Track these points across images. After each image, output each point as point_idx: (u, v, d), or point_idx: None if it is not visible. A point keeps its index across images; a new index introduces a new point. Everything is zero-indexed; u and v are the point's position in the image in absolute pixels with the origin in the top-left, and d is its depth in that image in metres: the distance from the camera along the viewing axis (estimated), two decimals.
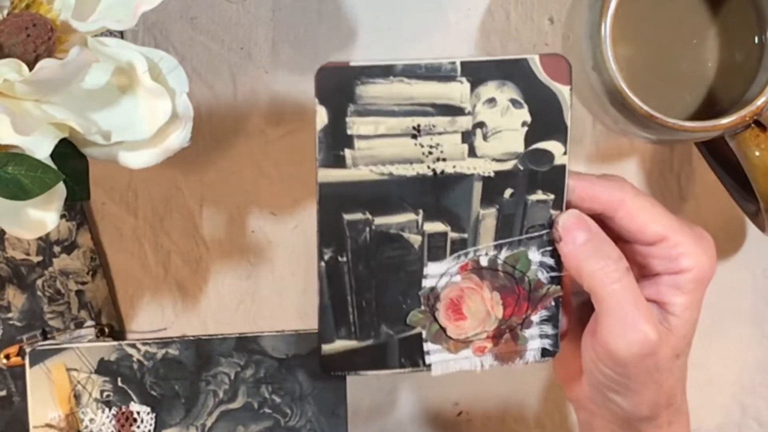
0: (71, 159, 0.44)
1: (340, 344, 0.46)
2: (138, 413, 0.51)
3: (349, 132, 0.43)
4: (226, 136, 0.58)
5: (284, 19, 0.57)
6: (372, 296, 0.46)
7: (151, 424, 0.51)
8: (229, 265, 0.59)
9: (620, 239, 0.46)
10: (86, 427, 0.51)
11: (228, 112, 0.58)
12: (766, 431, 0.62)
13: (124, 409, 0.51)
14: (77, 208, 0.58)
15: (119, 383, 0.51)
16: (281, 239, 0.59)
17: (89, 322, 0.59)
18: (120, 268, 0.59)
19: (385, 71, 0.43)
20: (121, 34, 0.55)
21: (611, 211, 0.46)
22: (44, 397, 0.51)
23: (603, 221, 0.46)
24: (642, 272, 0.47)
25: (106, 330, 0.58)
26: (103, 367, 0.51)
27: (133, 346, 0.51)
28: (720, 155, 0.58)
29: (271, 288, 0.60)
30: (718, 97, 0.52)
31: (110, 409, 0.51)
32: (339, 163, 0.44)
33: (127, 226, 0.59)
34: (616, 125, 0.53)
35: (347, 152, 0.44)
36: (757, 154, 0.50)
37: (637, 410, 0.46)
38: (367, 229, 0.45)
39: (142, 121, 0.44)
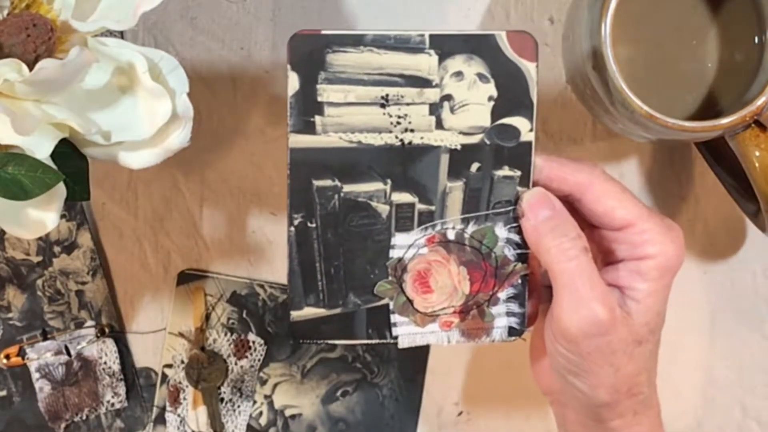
0: (71, 159, 0.44)
1: (308, 311, 0.47)
2: (253, 342, 0.59)
3: (319, 99, 0.45)
4: (226, 136, 0.58)
5: (284, 19, 0.57)
6: (340, 264, 0.47)
7: (261, 354, 0.59)
8: (229, 265, 0.59)
9: (588, 224, 0.47)
10: (209, 344, 0.59)
11: (228, 112, 0.58)
12: (766, 431, 0.62)
13: (243, 337, 0.59)
14: (77, 208, 0.58)
15: (243, 315, 0.59)
16: (281, 239, 0.59)
17: (89, 322, 0.59)
18: (120, 268, 0.59)
19: (356, 40, 0.44)
20: (121, 34, 0.55)
21: (579, 193, 0.46)
22: (183, 311, 0.59)
23: (571, 204, 0.47)
24: (607, 258, 0.47)
25: (106, 330, 0.59)
26: (234, 299, 0.59)
27: (262, 286, 0.59)
28: (720, 155, 0.58)
29: None
30: (718, 97, 0.52)
31: (232, 335, 0.59)
32: (309, 129, 0.45)
33: (127, 226, 0.59)
34: (616, 125, 0.53)
35: (317, 119, 0.45)
36: (757, 154, 0.50)
37: (595, 394, 0.46)
38: (336, 195, 0.46)
39: (142, 121, 0.44)
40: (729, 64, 0.52)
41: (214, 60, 0.58)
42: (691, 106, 0.52)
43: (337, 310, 0.47)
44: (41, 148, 0.42)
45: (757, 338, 0.62)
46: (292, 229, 0.46)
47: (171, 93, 0.44)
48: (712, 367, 0.62)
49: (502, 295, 0.47)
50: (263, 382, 0.60)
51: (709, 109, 0.52)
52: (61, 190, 0.43)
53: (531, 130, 0.46)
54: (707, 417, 0.62)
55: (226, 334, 0.59)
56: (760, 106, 0.49)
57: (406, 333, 0.47)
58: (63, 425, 0.59)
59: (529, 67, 0.45)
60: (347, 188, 0.46)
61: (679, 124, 0.49)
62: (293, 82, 0.44)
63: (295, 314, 0.47)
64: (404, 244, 0.47)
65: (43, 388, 0.58)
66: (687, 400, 0.62)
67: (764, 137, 0.50)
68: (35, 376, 0.58)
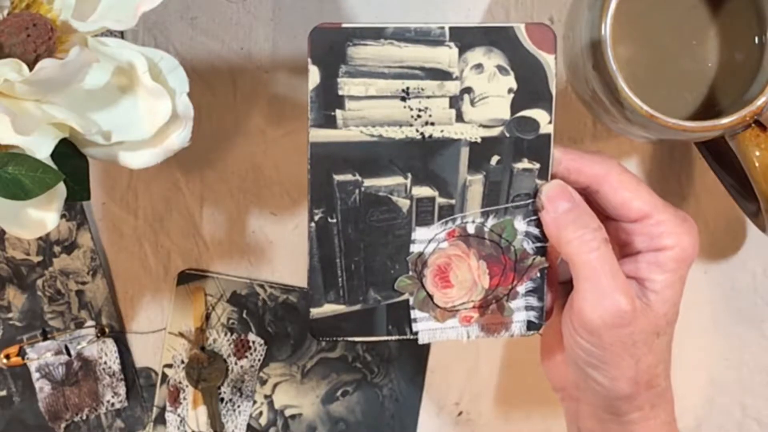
0: (71, 159, 0.44)
1: (328, 308, 0.47)
2: (253, 342, 0.59)
3: (340, 92, 0.44)
4: (226, 136, 0.58)
5: (284, 19, 0.57)
6: (361, 259, 0.46)
7: (261, 354, 0.60)
8: (229, 265, 0.59)
9: (605, 217, 0.47)
10: (209, 344, 0.59)
11: (228, 112, 0.58)
12: (766, 431, 0.62)
13: (243, 337, 0.59)
14: (77, 208, 0.58)
15: (243, 315, 0.59)
16: (281, 239, 0.59)
17: (89, 322, 0.59)
18: (120, 268, 0.59)
19: (376, 33, 0.44)
20: (121, 34, 0.55)
21: (596, 185, 0.46)
22: (183, 311, 0.59)
23: (588, 196, 0.47)
24: (624, 251, 0.48)
25: (106, 330, 0.59)
26: (234, 299, 0.59)
27: (262, 286, 0.59)
28: (720, 155, 0.58)
29: None
30: (718, 97, 0.52)
31: (231, 334, 0.59)
32: (330, 123, 0.45)
33: (127, 226, 0.59)
34: (616, 125, 0.53)
35: (338, 113, 0.45)
36: (757, 154, 0.50)
37: (615, 387, 0.46)
38: (357, 190, 0.46)
39: (142, 121, 0.44)
40: (729, 64, 0.52)
41: (214, 60, 0.58)
42: (691, 106, 0.52)
43: (357, 307, 0.47)
44: (41, 148, 0.42)
45: (757, 338, 0.62)
46: (313, 224, 0.46)
47: (171, 93, 0.44)
48: (712, 366, 0.62)
49: (521, 288, 0.47)
50: (263, 382, 0.60)
51: (709, 109, 0.52)
52: (61, 190, 0.43)
53: (550, 122, 0.46)
54: (707, 417, 0.62)
55: (226, 334, 0.59)
56: (760, 106, 0.49)
57: (426, 329, 0.47)
58: (63, 425, 0.59)
59: (548, 59, 0.45)
60: (368, 183, 0.45)
61: (679, 124, 0.49)
62: (314, 76, 0.44)
63: (315, 311, 0.47)
64: (425, 239, 0.46)
65: (43, 388, 0.59)
66: (687, 399, 0.62)
67: (764, 137, 0.50)
68: (35, 376, 0.58)
